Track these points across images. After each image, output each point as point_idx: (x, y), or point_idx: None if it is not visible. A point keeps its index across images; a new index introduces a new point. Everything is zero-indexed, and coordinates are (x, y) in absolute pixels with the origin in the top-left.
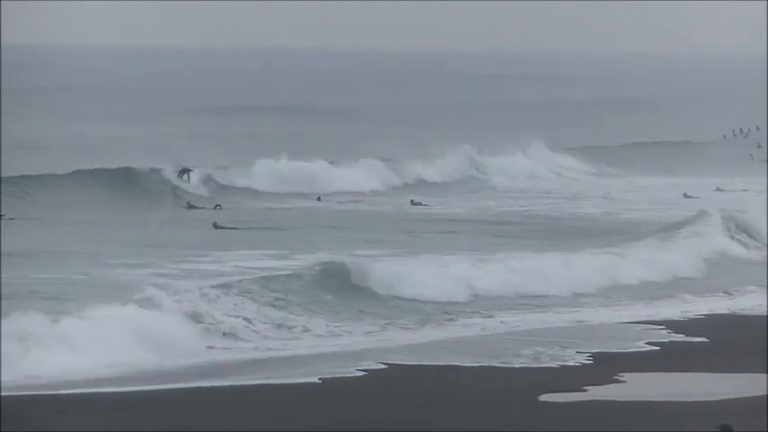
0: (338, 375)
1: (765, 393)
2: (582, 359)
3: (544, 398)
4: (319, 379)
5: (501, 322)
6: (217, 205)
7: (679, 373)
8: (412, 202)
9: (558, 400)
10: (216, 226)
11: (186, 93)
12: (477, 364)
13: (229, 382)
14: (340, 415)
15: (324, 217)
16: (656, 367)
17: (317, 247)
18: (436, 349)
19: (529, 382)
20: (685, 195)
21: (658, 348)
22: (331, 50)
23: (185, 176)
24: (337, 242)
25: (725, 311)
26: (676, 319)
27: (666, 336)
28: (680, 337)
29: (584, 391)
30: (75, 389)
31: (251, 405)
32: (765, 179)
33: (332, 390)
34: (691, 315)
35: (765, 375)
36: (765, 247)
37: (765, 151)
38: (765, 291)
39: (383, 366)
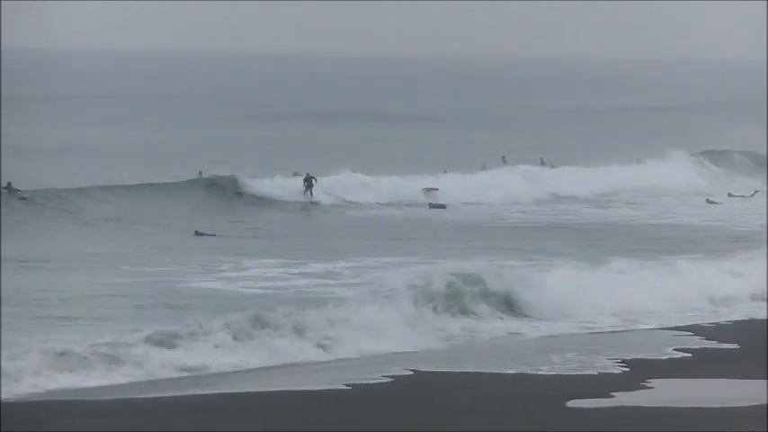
0: (364, 382)
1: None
2: (610, 365)
3: (572, 404)
4: (346, 385)
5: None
6: (238, 192)
7: (707, 380)
8: (430, 205)
9: (586, 406)
10: (197, 233)
11: (233, 98)
12: (504, 371)
13: (255, 389)
14: (366, 421)
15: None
16: (684, 373)
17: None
18: (465, 355)
19: (557, 388)
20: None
21: (689, 355)
22: (389, 56)
23: (309, 191)
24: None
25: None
26: (704, 324)
27: (696, 342)
28: (711, 344)
29: (612, 397)
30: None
31: (275, 411)
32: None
33: (358, 396)
34: (719, 321)
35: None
36: None
37: None
38: None
39: (409, 373)
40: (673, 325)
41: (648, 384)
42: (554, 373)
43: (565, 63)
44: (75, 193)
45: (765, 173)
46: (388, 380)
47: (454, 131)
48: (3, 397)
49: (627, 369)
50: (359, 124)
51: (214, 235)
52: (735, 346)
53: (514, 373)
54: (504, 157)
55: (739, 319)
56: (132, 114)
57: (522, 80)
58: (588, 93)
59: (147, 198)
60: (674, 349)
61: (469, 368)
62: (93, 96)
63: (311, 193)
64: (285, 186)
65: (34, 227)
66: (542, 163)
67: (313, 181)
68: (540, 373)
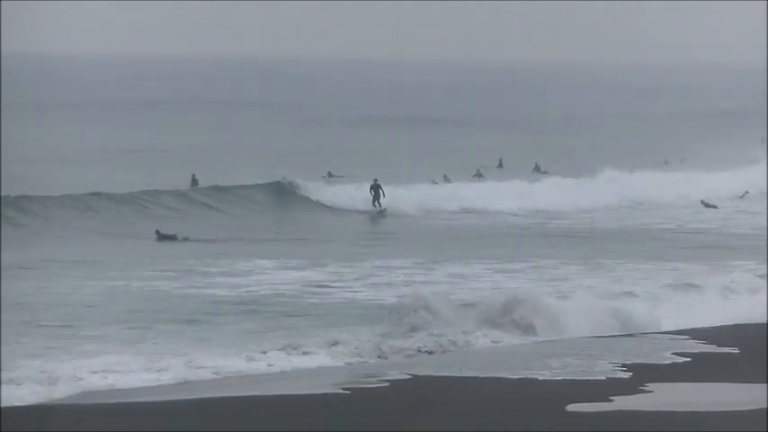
0: (360, 386)
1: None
2: (610, 369)
3: (571, 408)
4: (344, 389)
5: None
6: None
7: (707, 383)
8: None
9: (585, 411)
10: (159, 234)
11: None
12: (503, 376)
13: (254, 393)
14: (365, 424)
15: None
16: (683, 377)
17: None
18: (463, 360)
19: (556, 393)
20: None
21: (689, 359)
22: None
23: (377, 201)
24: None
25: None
26: (703, 328)
27: (695, 346)
28: (710, 348)
29: (611, 401)
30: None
31: (273, 415)
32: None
33: (357, 400)
34: (718, 324)
35: None
36: None
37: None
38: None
39: (407, 377)
40: (670, 329)
41: (647, 388)
42: (553, 377)
43: (568, 67)
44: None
45: None
46: (386, 384)
47: (502, 137)
48: (3, 403)
49: (626, 373)
50: (394, 129)
51: (180, 238)
52: (734, 349)
53: (513, 378)
54: (500, 160)
55: (739, 322)
56: (175, 120)
57: (542, 86)
58: (623, 97)
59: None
60: (673, 353)
61: (467, 373)
62: (123, 102)
63: (379, 204)
64: (344, 191)
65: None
66: (537, 168)
67: (380, 190)
68: (539, 377)
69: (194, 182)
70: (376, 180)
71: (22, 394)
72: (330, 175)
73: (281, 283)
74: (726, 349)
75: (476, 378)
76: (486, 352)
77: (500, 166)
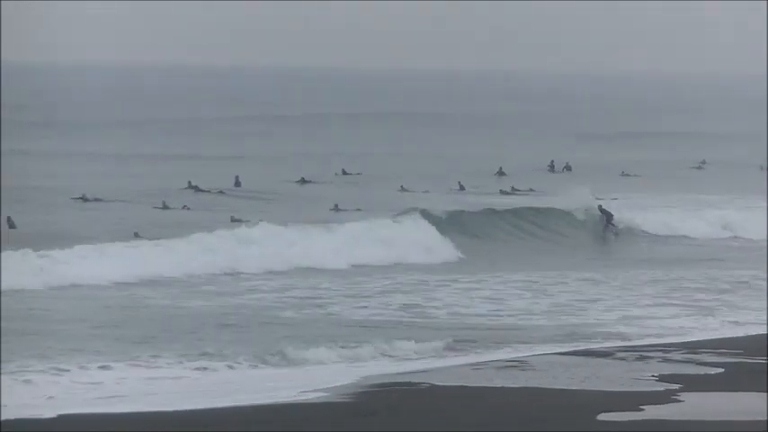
0: (374, 394)
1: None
2: (640, 379)
3: (602, 417)
4: (359, 394)
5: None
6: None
7: (738, 393)
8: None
9: (616, 420)
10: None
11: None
12: (533, 385)
13: (268, 401)
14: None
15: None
16: (714, 387)
17: None
18: (489, 371)
19: (587, 402)
20: None
21: (720, 369)
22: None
23: (609, 223)
24: None
25: None
26: (734, 338)
27: (726, 355)
28: (741, 358)
29: (642, 410)
30: None
31: (283, 421)
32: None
33: (372, 406)
34: (743, 333)
35: None
36: None
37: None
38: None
39: (428, 385)
40: (700, 338)
41: (679, 398)
42: (584, 386)
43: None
44: None
45: None
46: (402, 392)
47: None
48: (3, 417)
49: (657, 382)
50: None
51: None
52: (765, 359)
53: (543, 388)
54: (500, 168)
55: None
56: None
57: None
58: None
59: None
60: (704, 363)
61: (496, 383)
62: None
63: (612, 224)
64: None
65: None
66: (552, 166)
67: (604, 206)
68: (569, 387)
69: (237, 183)
70: (596, 198)
71: (28, 406)
72: (344, 172)
73: None
74: (757, 359)
75: (503, 388)
76: (513, 362)
77: (501, 173)
